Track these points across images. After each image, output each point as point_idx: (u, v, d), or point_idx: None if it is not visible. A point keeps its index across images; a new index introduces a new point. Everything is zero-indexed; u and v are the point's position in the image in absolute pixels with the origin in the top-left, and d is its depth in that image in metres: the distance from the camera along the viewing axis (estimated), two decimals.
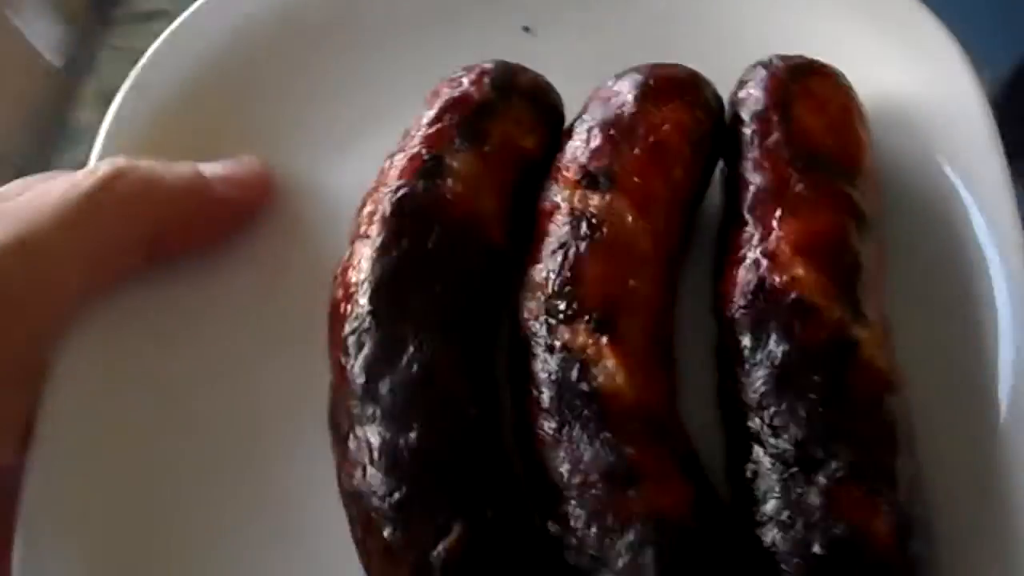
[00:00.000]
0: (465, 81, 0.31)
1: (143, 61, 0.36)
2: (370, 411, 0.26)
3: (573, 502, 0.25)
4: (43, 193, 0.30)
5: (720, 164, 0.31)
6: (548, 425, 0.26)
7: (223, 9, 0.37)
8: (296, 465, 0.30)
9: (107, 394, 0.31)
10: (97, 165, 0.31)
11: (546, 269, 0.28)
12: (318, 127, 0.36)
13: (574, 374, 0.26)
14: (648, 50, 0.34)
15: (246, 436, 0.31)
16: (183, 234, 0.33)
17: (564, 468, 0.25)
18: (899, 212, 0.31)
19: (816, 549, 0.23)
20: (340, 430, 0.27)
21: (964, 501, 0.26)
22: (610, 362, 0.26)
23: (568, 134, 0.31)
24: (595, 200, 0.28)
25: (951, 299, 0.29)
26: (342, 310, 0.28)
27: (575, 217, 0.28)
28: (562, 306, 0.27)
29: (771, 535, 0.24)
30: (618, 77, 0.31)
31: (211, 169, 0.33)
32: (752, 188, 0.28)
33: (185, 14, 0.36)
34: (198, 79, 0.36)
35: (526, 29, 0.37)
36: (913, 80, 0.33)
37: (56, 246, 0.29)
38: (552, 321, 0.27)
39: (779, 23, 0.35)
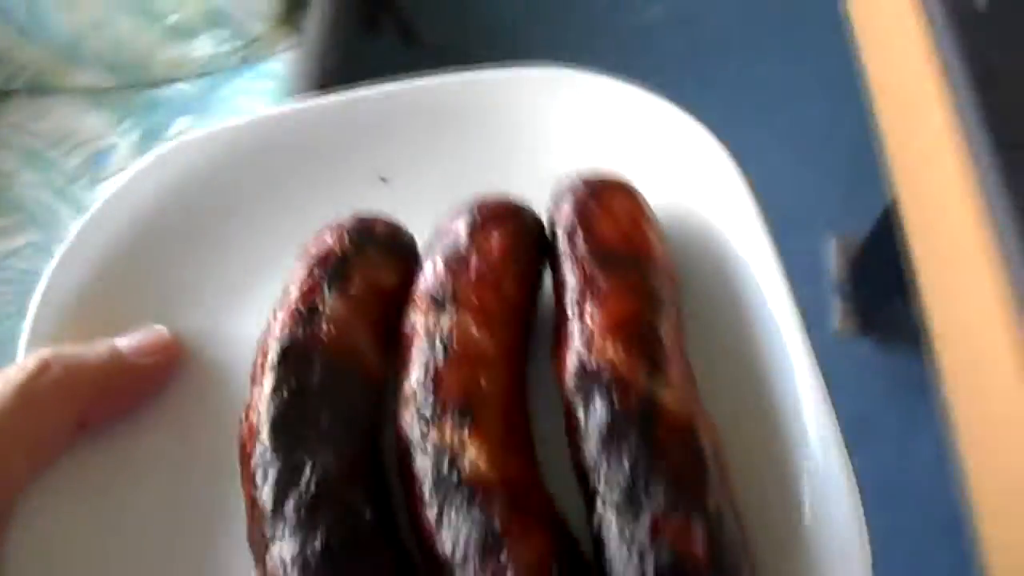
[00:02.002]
0: (328, 238, 0.37)
1: (57, 257, 0.41)
2: (280, 530, 0.31)
3: (459, 573, 0.30)
4: None
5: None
6: (431, 514, 0.31)
7: (118, 210, 0.43)
8: None
9: (58, 553, 0.35)
10: (26, 360, 0.36)
11: (414, 383, 0.34)
12: (212, 289, 0.42)
13: (444, 466, 0.32)
14: (485, 185, 0.41)
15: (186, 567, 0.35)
16: (108, 405, 0.37)
17: (448, 548, 0.31)
18: (699, 288, 0.38)
19: (649, 574, 0.29)
20: (258, 550, 0.32)
21: (773, 516, 0.32)
22: (472, 451, 0.32)
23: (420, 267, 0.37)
24: (443, 320, 0.35)
25: (746, 350, 0.36)
26: (248, 448, 0.34)
27: (430, 336, 0.34)
28: (428, 412, 0.33)
29: (617, 569, 0.29)
30: (453, 213, 0.38)
31: (125, 343, 0.39)
32: (569, 288, 0.35)
33: (88, 214, 0.42)
34: (105, 265, 0.42)
35: (383, 179, 0.44)
36: (695, 184, 0.41)
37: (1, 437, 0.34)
38: (423, 426, 0.33)
39: (591, 149, 0.43)
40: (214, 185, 0.43)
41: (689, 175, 0.40)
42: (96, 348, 0.38)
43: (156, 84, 1.34)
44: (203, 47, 1.32)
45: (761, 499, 0.33)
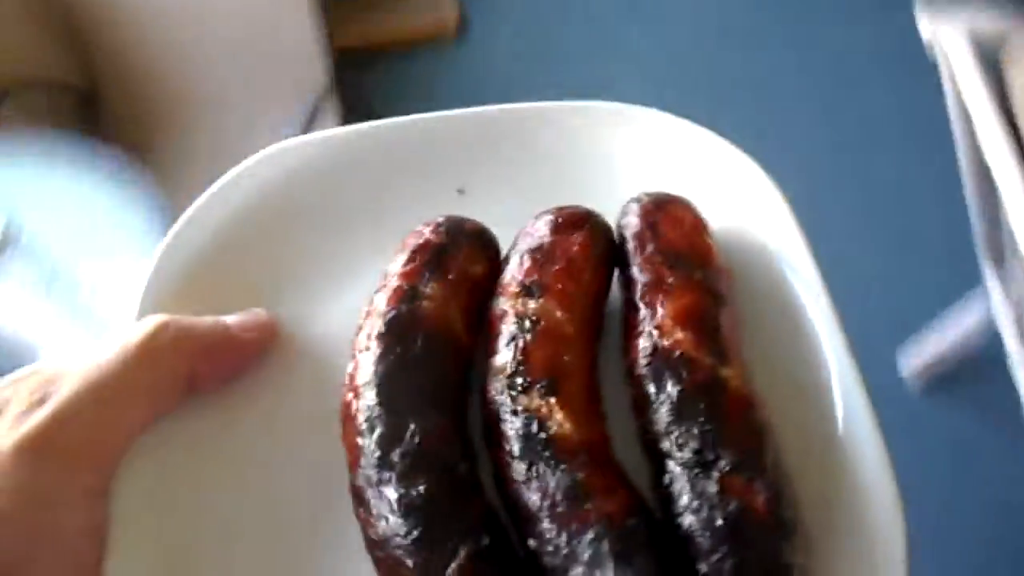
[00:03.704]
0: (426, 231, 0.42)
1: (169, 235, 0.46)
2: (386, 475, 0.35)
3: (546, 520, 0.34)
4: (102, 350, 0.39)
5: (616, 271, 0.43)
6: (520, 469, 0.36)
7: (222, 203, 0.47)
8: (326, 532, 0.38)
9: (162, 508, 0.39)
10: (143, 322, 0.40)
11: (504, 357, 0.38)
12: (310, 284, 0.46)
13: (534, 428, 0.36)
14: (551, 202, 0.46)
15: (285, 522, 0.39)
16: (214, 368, 0.41)
17: (536, 497, 0.35)
18: (753, 289, 0.43)
19: (718, 523, 0.33)
20: (363, 495, 0.36)
21: (813, 480, 0.37)
22: (558, 416, 0.36)
23: (506, 261, 0.42)
24: (531, 304, 0.39)
25: (791, 344, 0.41)
26: (353, 407, 0.38)
27: (519, 317, 0.39)
28: (519, 381, 0.37)
29: (687, 520, 0.34)
30: (536, 217, 0.43)
31: (229, 318, 0.43)
32: (639, 284, 0.40)
33: (198, 201, 0.47)
34: (215, 249, 0.46)
35: (460, 191, 0.49)
36: (743, 205, 0.46)
37: (122, 388, 0.38)
38: (513, 393, 0.37)
39: (649, 176, 0.48)
40: (310, 187, 0.48)
41: (737, 198, 0.46)
42: (205, 320, 0.42)
43: None
44: None
45: (801, 463, 0.37)
